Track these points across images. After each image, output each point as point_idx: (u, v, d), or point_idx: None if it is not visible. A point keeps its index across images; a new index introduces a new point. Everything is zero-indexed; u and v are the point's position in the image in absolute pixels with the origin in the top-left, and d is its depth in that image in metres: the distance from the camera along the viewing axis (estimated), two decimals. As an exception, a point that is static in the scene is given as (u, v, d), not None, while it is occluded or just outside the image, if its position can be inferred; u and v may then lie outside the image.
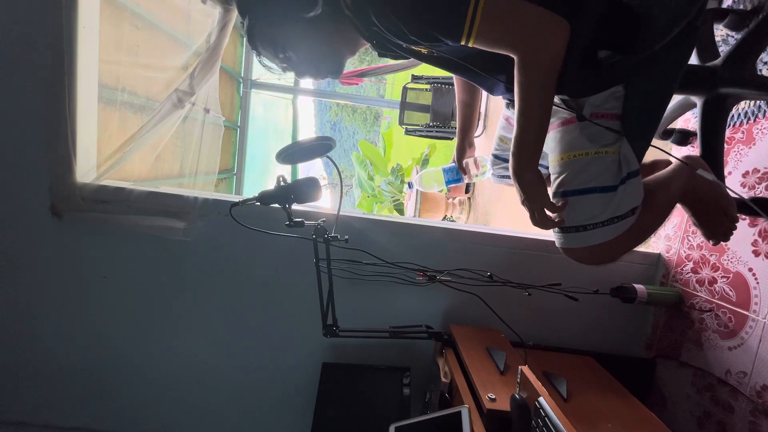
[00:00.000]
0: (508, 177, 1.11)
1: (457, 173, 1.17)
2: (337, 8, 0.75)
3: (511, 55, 0.67)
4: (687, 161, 0.86)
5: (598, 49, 0.72)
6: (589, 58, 0.71)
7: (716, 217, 0.86)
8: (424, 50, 0.79)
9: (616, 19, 0.70)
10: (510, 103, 1.08)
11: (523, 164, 0.73)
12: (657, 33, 0.68)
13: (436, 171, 1.20)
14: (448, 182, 1.19)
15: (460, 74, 0.91)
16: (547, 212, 0.76)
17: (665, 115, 0.84)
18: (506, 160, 1.10)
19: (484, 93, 1.03)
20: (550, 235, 1.32)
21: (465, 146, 1.16)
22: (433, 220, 4.00)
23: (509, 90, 0.87)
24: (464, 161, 1.16)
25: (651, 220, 0.80)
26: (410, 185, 1.28)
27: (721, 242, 0.91)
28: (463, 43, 0.67)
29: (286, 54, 0.81)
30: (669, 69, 0.73)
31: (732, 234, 0.87)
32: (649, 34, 0.68)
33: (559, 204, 0.76)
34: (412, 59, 0.92)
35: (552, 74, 0.67)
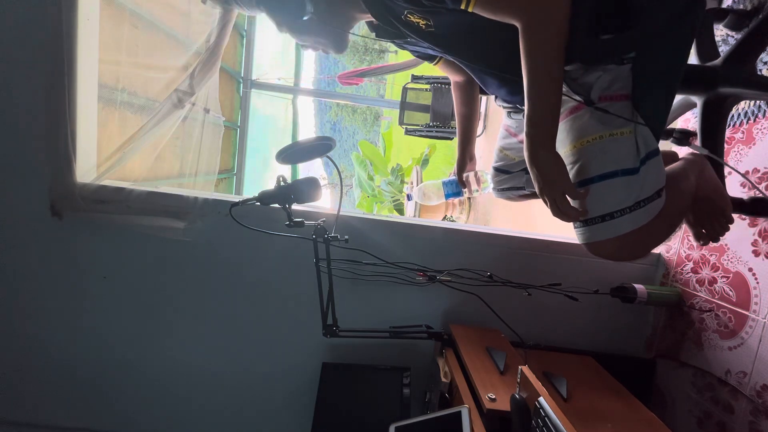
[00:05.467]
0: (509, 189, 1.11)
1: (457, 187, 1.16)
2: None
3: (514, 23, 0.65)
4: (694, 156, 0.86)
5: (599, 33, 0.71)
6: (593, 35, 0.70)
7: (713, 216, 0.86)
8: (422, 22, 0.77)
9: (615, 2, 0.70)
10: (510, 112, 1.08)
11: (539, 142, 0.68)
12: (661, 4, 0.67)
13: (435, 184, 1.19)
14: (447, 196, 1.18)
15: (456, 57, 0.89)
16: (569, 200, 0.71)
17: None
18: (507, 172, 1.10)
19: (483, 98, 1.03)
20: (550, 234, 1.32)
21: (465, 160, 1.15)
22: (433, 220, 4.00)
23: (505, 83, 0.86)
24: (465, 175, 1.15)
25: (676, 208, 0.77)
26: (409, 197, 1.27)
27: (718, 242, 0.91)
28: (463, 6, 0.65)
29: (286, 32, 0.88)
30: (675, 43, 0.70)
31: (722, 236, 0.87)
32: (653, 6, 0.67)
33: (582, 192, 0.71)
34: (412, 59, 0.93)
35: (558, 40, 0.64)
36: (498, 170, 1.11)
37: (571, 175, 0.72)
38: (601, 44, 0.71)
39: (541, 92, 0.67)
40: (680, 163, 0.84)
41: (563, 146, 0.76)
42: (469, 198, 4.81)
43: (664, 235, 0.76)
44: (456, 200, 4.71)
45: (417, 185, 1.24)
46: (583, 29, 0.66)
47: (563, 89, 0.69)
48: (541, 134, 0.68)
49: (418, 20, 0.77)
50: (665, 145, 1.38)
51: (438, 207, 4.63)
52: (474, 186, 1.14)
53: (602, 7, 0.69)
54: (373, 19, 0.84)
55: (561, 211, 0.70)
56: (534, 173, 0.70)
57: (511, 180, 1.10)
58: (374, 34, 0.89)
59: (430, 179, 1.22)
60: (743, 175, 1.05)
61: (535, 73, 0.66)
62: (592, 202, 0.71)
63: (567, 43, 0.65)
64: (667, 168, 0.82)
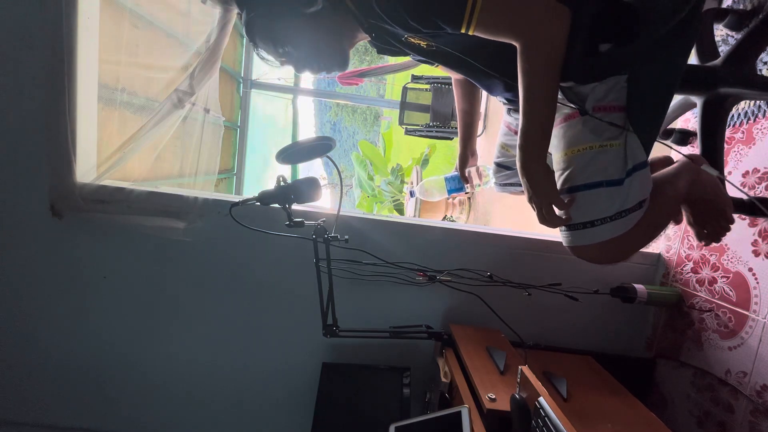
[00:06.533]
0: (511, 185, 1.11)
1: (459, 182, 1.17)
2: (337, 1, 0.76)
3: (513, 43, 0.67)
4: (689, 159, 0.86)
5: (599, 42, 0.71)
6: (591, 49, 0.71)
7: (713, 217, 0.86)
8: (423, 43, 0.79)
9: (615, 12, 0.70)
10: (511, 109, 1.08)
11: (531, 155, 0.71)
12: (660, 19, 0.67)
13: (438, 180, 1.20)
14: (450, 191, 1.18)
15: (458, 70, 0.90)
16: (555, 209, 0.75)
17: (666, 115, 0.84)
18: (509, 168, 1.10)
19: (484, 96, 1.03)
20: (550, 235, 1.32)
21: (467, 155, 1.16)
22: (433, 220, 4.00)
23: (508, 89, 0.87)
24: (467, 170, 1.16)
25: (660, 215, 0.79)
26: (412, 193, 1.27)
27: (720, 242, 0.91)
28: (463, 30, 0.66)
29: (285, 49, 0.81)
30: (673, 58, 0.72)
31: (724, 236, 0.87)
32: (653, 20, 0.68)
33: (567, 200, 0.74)
34: (411, 59, 0.92)
35: (555, 60, 0.66)
36: (499, 166, 1.11)
37: (560, 181, 0.76)
38: (596, 63, 0.72)
39: (536, 109, 0.69)
40: (672, 168, 0.84)
41: (555, 152, 0.78)
42: (470, 198, 4.81)
43: (644, 242, 0.79)
44: (456, 201, 4.71)
45: (418, 184, 1.24)
46: (580, 50, 0.68)
47: (558, 96, 0.71)
48: (533, 148, 0.71)
49: (419, 41, 0.78)
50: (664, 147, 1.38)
51: (438, 207, 4.63)
52: (476, 180, 1.14)
53: (602, 21, 0.70)
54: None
55: (546, 219, 0.75)
56: (524, 183, 0.74)
57: (512, 176, 1.10)
58: (375, 49, 0.89)
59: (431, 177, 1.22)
60: (741, 189, 1.05)
61: (530, 91, 0.68)
62: (576, 209, 0.74)
63: (564, 62, 0.67)
64: (659, 173, 0.83)
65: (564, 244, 0.79)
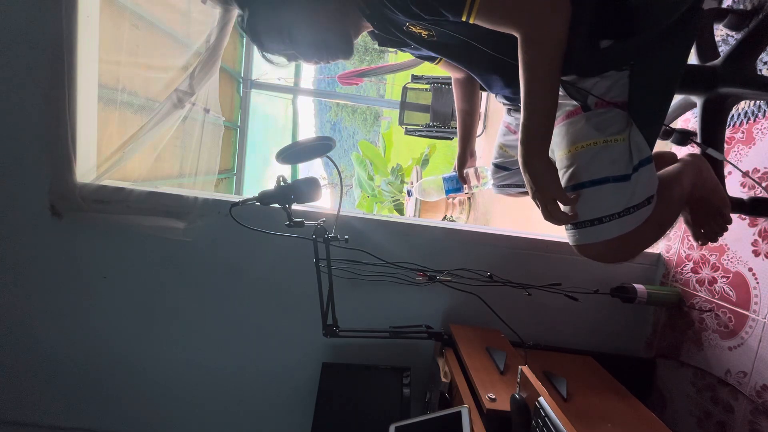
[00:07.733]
0: (509, 186, 1.11)
1: (458, 183, 1.17)
2: None
3: (514, 34, 0.67)
4: (692, 157, 0.86)
5: (600, 37, 0.71)
6: (592, 43, 0.71)
7: (711, 216, 0.86)
8: (424, 33, 0.78)
9: (616, 6, 0.70)
10: (510, 110, 1.08)
11: (533, 150, 0.70)
12: (661, 13, 0.67)
13: (436, 180, 1.20)
14: (447, 191, 1.18)
15: (459, 62, 0.90)
16: (560, 205, 0.73)
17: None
18: (507, 169, 1.10)
19: (484, 96, 1.03)
20: (550, 234, 1.32)
21: (466, 155, 1.16)
22: (433, 220, 4.00)
23: (508, 84, 0.87)
24: (465, 171, 1.15)
25: (667, 213, 0.78)
26: (410, 193, 1.26)
27: (716, 242, 0.91)
28: (464, 18, 0.66)
29: (291, 38, 0.80)
30: (674, 52, 0.71)
31: (721, 236, 0.87)
32: (654, 14, 0.67)
33: (572, 197, 0.73)
34: (412, 59, 0.92)
35: (556, 52, 0.65)
36: (498, 167, 1.11)
37: (564, 179, 0.74)
38: (598, 55, 0.71)
39: (537, 102, 0.68)
40: (676, 166, 0.84)
41: (558, 149, 0.77)
42: (469, 198, 4.81)
43: (651, 240, 0.77)
44: (456, 200, 4.71)
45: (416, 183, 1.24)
46: (582, 42, 0.67)
47: (560, 93, 0.70)
48: (535, 143, 0.70)
49: (420, 31, 0.78)
50: (665, 145, 1.38)
51: (438, 207, 4.63)
52: (474, 182, 1.14)
53: (602, 18, 0.69)
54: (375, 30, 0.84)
55: (551, 215, 0.72)
56: (527, 179, 0.72)
57: (510, 177, 1.10)
58: (376, 42, 0.89)
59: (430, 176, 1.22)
60: (744, 172, 1.05)
61: (532, 83, 0.67)
62: (583, 207, 0.73)
63: (565, 54, 0.66)
64: (663, 171, 0.82)
65: (570, 243, 0.78)
